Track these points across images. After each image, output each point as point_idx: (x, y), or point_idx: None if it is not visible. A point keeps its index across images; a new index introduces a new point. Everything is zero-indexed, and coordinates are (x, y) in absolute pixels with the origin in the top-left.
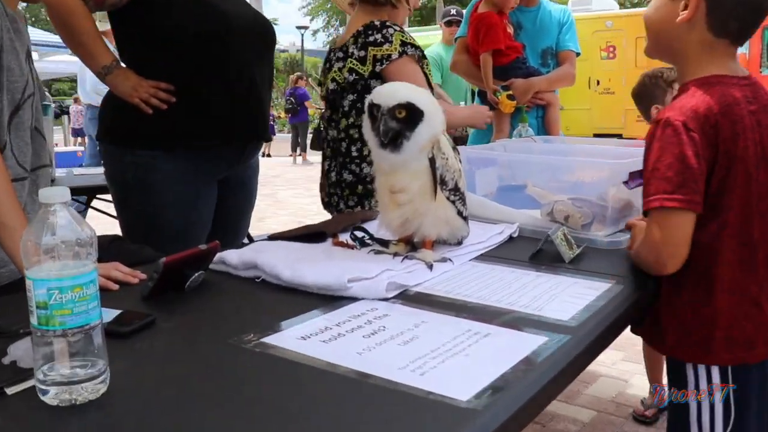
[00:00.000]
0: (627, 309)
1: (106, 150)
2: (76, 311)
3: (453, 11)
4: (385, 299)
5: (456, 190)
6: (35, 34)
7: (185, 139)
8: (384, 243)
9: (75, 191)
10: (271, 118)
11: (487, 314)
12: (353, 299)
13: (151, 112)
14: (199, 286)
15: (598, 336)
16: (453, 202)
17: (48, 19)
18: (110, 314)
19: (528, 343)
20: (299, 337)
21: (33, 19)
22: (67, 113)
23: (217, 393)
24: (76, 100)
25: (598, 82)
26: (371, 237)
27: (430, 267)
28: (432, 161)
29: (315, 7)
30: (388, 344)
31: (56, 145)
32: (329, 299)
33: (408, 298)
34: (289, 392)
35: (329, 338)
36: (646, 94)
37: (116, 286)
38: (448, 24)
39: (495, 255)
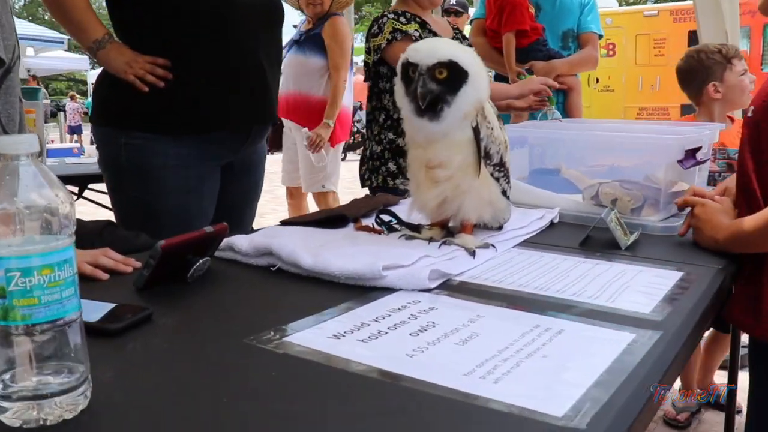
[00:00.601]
0: (713, 299)
1: (100, 133)
2: (45, 300)
3: (453, 0)
4: (428, 290)
5: (501, 165)
6: (32, 29)
7: (185, 119)
8: (414, 228)
9: (67, 180)
10: None
11: (552, 307)
12: (388, 290)
13: (147, 90)
14: (204, 276)
15: (692, 331)
16: (497, 179)
17: (45, 17)
18: (97, 309)
19: (614, 340)
20: (331, 336)
21: (30, 18)
22: (63, 111)
23: (231, 406)
24: (72, 98)
25: (597, 80)
26: (399, 221)
27: (473, 254)
28: (476, 131)
29: None
30: (442, 344)
31: (51, 141)
32: (359, 290)
33: (453, 288)
34: (325, 405)
35: (368, 336)
36: (701, 71)
37: (106, 276)
38: (447, 13)
39: (538, 242)
